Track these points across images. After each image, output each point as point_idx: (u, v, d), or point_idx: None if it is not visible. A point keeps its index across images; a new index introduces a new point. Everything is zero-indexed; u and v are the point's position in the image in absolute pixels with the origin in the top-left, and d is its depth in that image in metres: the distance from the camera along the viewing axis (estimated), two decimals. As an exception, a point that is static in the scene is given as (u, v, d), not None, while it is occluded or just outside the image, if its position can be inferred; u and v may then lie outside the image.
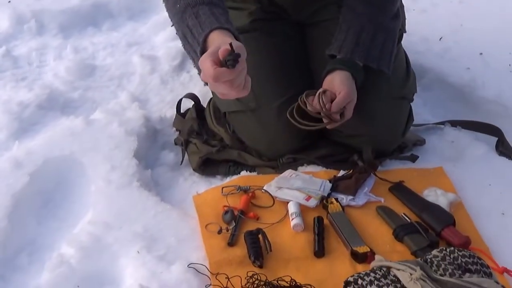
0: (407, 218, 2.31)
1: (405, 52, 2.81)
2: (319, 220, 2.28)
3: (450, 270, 1.91)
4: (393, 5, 2.62)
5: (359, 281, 1.92)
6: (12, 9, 3.88)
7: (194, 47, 2.10)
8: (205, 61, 1.90)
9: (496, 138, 2.84)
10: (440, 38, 3.64)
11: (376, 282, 1.90)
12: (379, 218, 2.36)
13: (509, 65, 3.42)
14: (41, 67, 3.48)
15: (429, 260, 1.98)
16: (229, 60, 1.87)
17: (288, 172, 2.54)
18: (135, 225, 2.31)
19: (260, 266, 2.12)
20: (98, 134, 2.75)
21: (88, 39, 3.79)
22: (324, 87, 2.47)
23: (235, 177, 2.61)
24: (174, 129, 2.93)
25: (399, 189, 2.49)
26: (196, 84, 3.19)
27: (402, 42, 2.80)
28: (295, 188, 2.42)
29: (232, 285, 2.05)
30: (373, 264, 2.02)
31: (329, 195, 2.42)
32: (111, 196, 2.45)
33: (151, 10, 4.08)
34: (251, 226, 2.27)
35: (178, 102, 2.98)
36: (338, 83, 2.44)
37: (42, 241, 2.37)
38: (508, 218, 2.40)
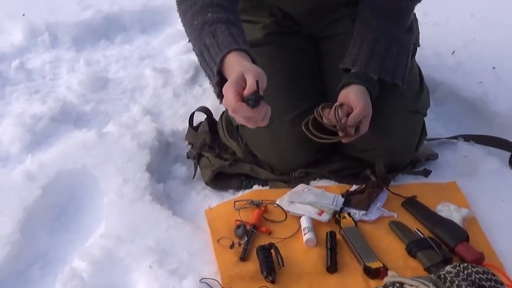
0: (420, 234, 2.30)
1: (418, 66, 2.80)
2: (332, 235, 2.27)
3: (463, 287, 1.89)
4: (407, 18, 2.62)
5: (372, 297, 1.91)
6: (26, 22, 3.90)
7: (211, 66, 2.11)
8: (229, 90, 1.94)
9: (509, 153, 2.82)
10: (453, 52, 3.64)
11: (389, 298, 1.90)
12: (392, 233, 2.35)
13: (522, 79, 3.41)
14: (54, 80, 3.49)
15: (442, 276, 1.96)
16: (251, 100, 1.91)
17: (301, 187, 2.53)
18: (147, 239, 2.30)
19: (273, 281, 2.11)
20: (111, 147, 2.76)
21: (101, 52, 3.81)
22: (339, 102, 2.47)
23: (247, 191, 2.60)
24: (187, 142, 2.93)
25: (412, 204, 2.48)
26: (209, 97, 3.19)
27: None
28: (307, 203, 2.41)
29: (244, 300, 2.05)
30: (386, 280, 2.01)
31: (341, 209, 2.41)
32: (124, 210, 2.45)
33: (163, 23, 4.10)
34: (264, 240, 2.26)
35: (190, 116, 2.98)
36: (353, 98, 2.43)
37: (54, 254, 2.37)
38: (522, 233, 2.39)
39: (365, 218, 2.40)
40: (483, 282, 1.91)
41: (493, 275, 1.95)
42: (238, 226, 2.32)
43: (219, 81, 2.13)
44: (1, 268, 2.22)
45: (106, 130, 2.91)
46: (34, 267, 2.31)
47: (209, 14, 2.19)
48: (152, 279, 2.14)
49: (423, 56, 3.17)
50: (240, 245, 2.24)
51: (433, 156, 2.81)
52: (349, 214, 2.38)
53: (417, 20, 2.79)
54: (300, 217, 2.36)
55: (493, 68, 3.49)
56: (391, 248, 2.27)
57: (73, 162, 2.67)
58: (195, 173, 2.75)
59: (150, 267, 2.18)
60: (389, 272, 2.05)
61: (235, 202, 2.46)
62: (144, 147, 2.76)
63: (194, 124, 2.97)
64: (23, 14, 4.02)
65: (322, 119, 2.45)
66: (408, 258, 2.23)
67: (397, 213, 2.44)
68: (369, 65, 2.50)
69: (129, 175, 2.60)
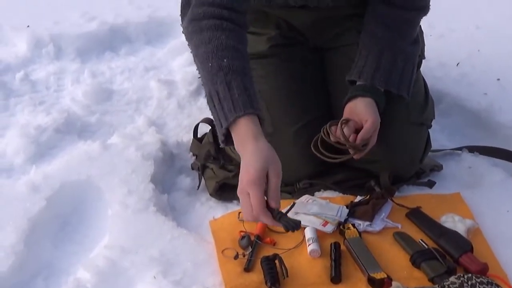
0: (424, 244, 2.29)
1: (423, 78, 2.80)
2: (336, 246, 2.27)
3: (468, 297, 1.90)
4: (413, 30, 2.62)
5: (377, 308, 1.91)
6: (31, 34, 3.90)
7: (221, 118, 2.09)
8: (255, 191, 1.97)
9: (514, 164, 2.82)
10: (457, 64, 3.64)
11: (393, 309, 1.90)
12: (396, 244, 2.34)
13: (527, 90, 3.41)
14: (58, 91, 3.50)
15: (446, 287, 1.97)
16: (288, 225, 1.95)
17: (305, 198, 2.53)
18: (152, 249, 2.30)
19: (277, 292, 2.11)
20: (115, 159, 2.76)
21: (105, 63, 3.81)
22: (346, 115, 2.47)
23: (251, 202, 2.60)
24: (191, 153, 2.94)
25: (416, 215, 2.48)
26: (213, 109, 3.19)
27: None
28: (311, 214, 2.41)
29: (249, 311, 2.05)
30: (391, 290, 2.01)
31: (346, 220, 2.41)
32: (128, 221, 2.45)
33: (168, 35, 4.10)
34: (268, 251, 2.26)
35: (195, 127, 2.98)
36: (363, 111, 2.43)
37: (58, 265, 2.37)
38: (527, 245, 2.39)
39: (370, 229, 2.39)
40: (487, 293, 1.92)
41: (497, 285, 1.96)
42: (243, 237, 2.32)
43: (226, 133, 2.12)
44: (5, 279, 2.22)
45: (110, 141, 2.91)
46: (38, 278, 2.31)
47: (225, 60, 2.14)
48: (157, 289, 2.15)
49: (428, 67, 3.17)
50: (244, 256, 2.24)
51: (438, 167, 2.81)
52: (353, 225, 2.37)
53: (422, 32, 2.79)
54: (305, 228, 2.35)
55: (498, 79, 3.49)
56: (396, 259, 2.27)
57: (78, 173, 2.68)
58: (199, 184, 2.75)
59: (154, 278, 2.17)
60: (394, 283, 2.06)
61: (239, 213, 2.45)
62: (149, 158, 2.76)
63: (199, 136, 2.98)
64: (28, 26, 4.04)
65: (330, 137, 2.45)
66: (413, 268, 2.23)
67: (402, 224, 2.43)
68: (375, 77, 2.49)
69: (133, 186, 2.60)
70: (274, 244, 2.32)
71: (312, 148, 2.46)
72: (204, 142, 2.90)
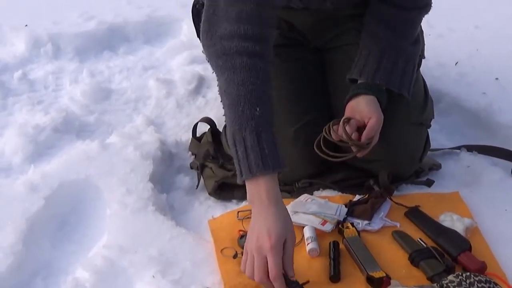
0: (423, 243, 2.30)
1: (423, 78, 2.80)
2: (335, 244, 2.27)
3: (466, 296, 1.90)
4: (414, 30, 2.62)
5: (375, 306, 1.91)
6: (29, 33, 3.91)
7: (242, 165, 2.09)
8: (273, 257, 1.97)
9: (513, 163, 2.82)
10: (456, 63, 3.64)
11: (392, 307, 1.90)
12: (395, 243, 2.34)
13: (526, 90, 3.41)
14: (57, 90, 3.50)
15: (445, 285, 1.97)
16: None
17: (304, 197, 2.53)
18: (150, 249, 2.30)
19: (276, 291, 2.11)
20: (114, 158, 2.76)
21: (104, 63, 3.81)
22: (348, 113, 2.46)
23: (250, 201, 2.60)
24: (190, 153, 2.93)
25: (415, 214, 2.48)
26: (212, 108, 3.20)
27: (419, 67, 2.80)
28: (310, 213, 2.41)
29: (248, 310, 2.05)
30: (389, 289, 2.01)
31: (345, 219, 2.41)
32: (126, 220, 2.45)
33: (167, 34, 4.10)
34: (267, 250, 2.26)
35: (193, 126, 2.99)
36: (365, 109, 2.43)
37: (57, 265, 2.37)
38: (525, 243, 2.39)
39: (368, 228, 2.39)
40: (486, 291, 1.92)
41: (496, 284, 1.96)
42: (242, 236, 2.32)
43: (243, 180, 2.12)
44: (4, 279, 2.22)
45: (109, 140, 2.91)
46: (37, 278, 2.31)
47: (258, 109, 2.11)
48: (155, 289, 2.15)
49: (427, 67, 3.17)
50: (243, 255, 2.23)
51: (436, 166, 2.81)
52: (352, 224, 2.38)
53: (423, 32, 2.78)
54: (303, 227, 2.36)
55: (497, 79, 3.48)
56: (394, 258, 2.27)
57: (76, 173, 2.68)
58: (198, 184, 2.75)
59: (153, 277, 2.18)
60: (392, 282, 2.06)
61: (238, 212, 2.46)
62: (147, 158, 2.76)
63: (198, 135, 2.98)
64: (26, 25, 4.04)
65: (331, 136, 2.44)
66: (411, 267, 2.23)
67: (400, 223, 2.43)
68: (376, 76, 2.49)
69: (132, 186, 2.60)
70: (273, 243, 2.32)
71: (315, 148, 2.46)
72: (203, 141, 2.90)
